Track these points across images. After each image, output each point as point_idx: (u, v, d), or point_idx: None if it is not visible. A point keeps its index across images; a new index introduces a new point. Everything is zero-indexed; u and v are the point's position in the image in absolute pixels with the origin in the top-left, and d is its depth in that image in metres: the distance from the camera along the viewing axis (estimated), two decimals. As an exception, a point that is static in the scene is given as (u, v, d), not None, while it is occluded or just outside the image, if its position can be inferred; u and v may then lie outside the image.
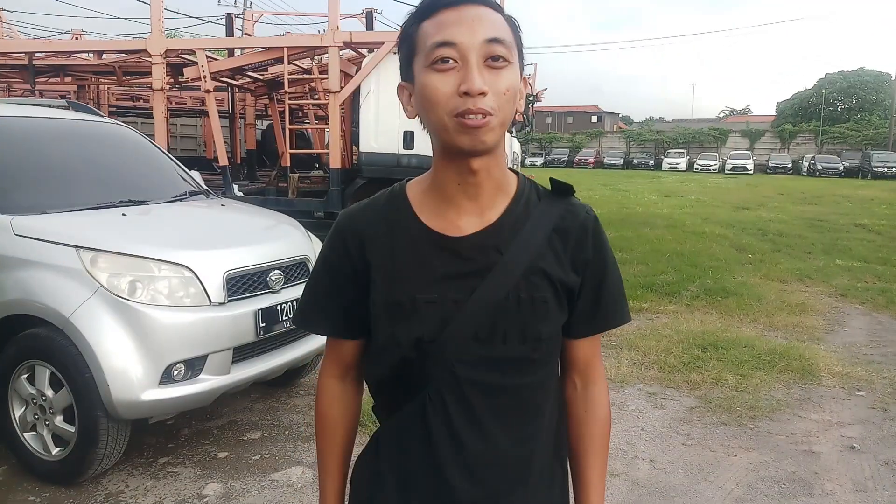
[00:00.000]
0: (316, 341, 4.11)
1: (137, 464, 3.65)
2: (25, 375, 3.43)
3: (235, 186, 10.29)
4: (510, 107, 1.08)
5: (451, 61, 1.04)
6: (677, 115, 67.33)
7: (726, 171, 44.58)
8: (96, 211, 3.85)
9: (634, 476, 3.61)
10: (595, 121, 71.65)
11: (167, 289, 3.38)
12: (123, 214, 3.82)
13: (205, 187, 4.99)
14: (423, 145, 9.08)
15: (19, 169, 3.94)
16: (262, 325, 3.62)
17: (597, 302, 1.23)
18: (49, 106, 5.20)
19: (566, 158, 52.51)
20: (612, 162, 50.74)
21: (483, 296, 1.13)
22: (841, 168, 41.93)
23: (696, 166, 47.24)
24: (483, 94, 1.03)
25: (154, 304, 3.31)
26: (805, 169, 43.96)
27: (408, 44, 1.12)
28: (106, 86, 14.18)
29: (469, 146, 1.07)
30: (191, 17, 20.84)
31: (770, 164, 46.40)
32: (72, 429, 3.32)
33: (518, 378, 1.17)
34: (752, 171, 43.90)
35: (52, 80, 12.63)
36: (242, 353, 3.60)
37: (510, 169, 1.22)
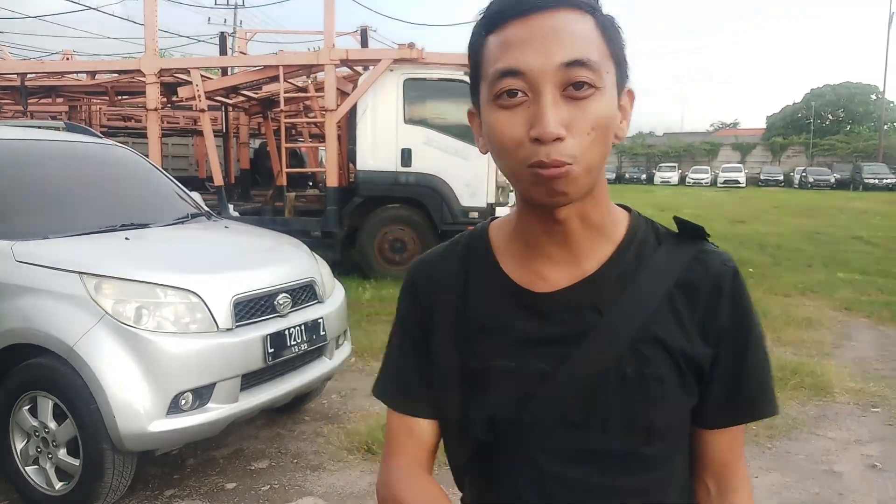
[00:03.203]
0: (324, 366, 4.01)
1: (143, 497, 3.53)
2: (27, 407, 3.30)
3: (231, 207, 10.19)
4: (599, 147, 0.83)
5: (519, 94, 0.82)
6: (667, 129, 67.65)
7: (719, 185, 44.76)
8: (98, 235, 3.75)
9: None
10: (586, 135, 71.77)
11: (174, 315, 3.28)
12: (126, 238, 3.72)
13: (206, 209, 4.90)
14: (422, 163, 9.03)
15: (19, 193, 3.85)
16: (270, 350, 3.52)
17: (736, 383, 0.93)
18: (45, 128, 5.11)
19: (558, 173, 52.57)
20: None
21: (576, 368, 0.89)
22: (832, 180, 42.16)
23: (688, 180, 47.45)
24: (560, 139, 0.80)
25: (160, 331, 3.21)
26: (797, 181, 44.16)
27: (473, 61, 0.89)
28: (98, 106, 14.09)
29: (546, 200, 0.85)
30: (181, 36, 20.68)
31: (762, 177, 46.67)
32: (76, 462, 3.20)
33: (624, 479, 0.90)
34: (744, 184, 44.09)
35: (43, 100, 12.52)
36: (251, 380, 3.49)
37: (620, 205, 0.99)
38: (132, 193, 4.54)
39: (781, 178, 46.14)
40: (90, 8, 13.86)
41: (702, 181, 46.34)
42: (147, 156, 8.91)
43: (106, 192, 4.35)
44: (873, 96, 55.92)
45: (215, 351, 3.31)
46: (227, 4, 31.81)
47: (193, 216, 4.59)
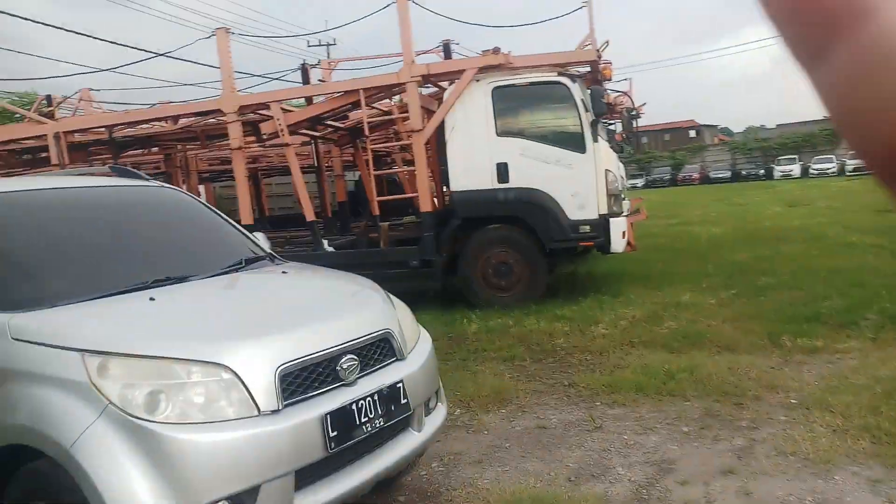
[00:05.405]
0: (411, 441, 3.12)
1: None
2: (31, 525, 2.59)
3: (325, 242, 9.62)
4: None
5: None
6: (778, 120, 63.99)
7: (847, 174, 41.29)
8: (121, 297, 3.02)
9: None
10: (693, 135, 68.97)
11: (200, 398, 2.48)
12: (151, 299, 2.97)
13: (268, 251, 4.14)
14: (521, 177, 8.09)
15: (31, 252, 3.20)
16: (332, 434, 2.66)
17: None
18: (92, 174, 4.55)
19: (669, 177, 50.42)
20: (720, 176, 48.38)
21: None
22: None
23: (811, 171, 44.15)
24: None
25: (182, 421, 2.41)
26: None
27: None
28: (194, 152, 13.99)
29: None
30: (255, 75, 20.38)
31: (896, 161, 42.87)
32: None
33: None
34: (876, 170, 40.47)
35: (135, 151, 12.51)
36: (309, 474, 2.64)
37: None
38: (176, 241, 3.84)
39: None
40: (163, 55, 13.49)
41: (827, 171, 42.96)
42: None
43: (143, 242, 3.67)
44: None
45: (256, 443, 2.48)
46: (320, 44, 32.05)
47: (249, 262, 3.83)
